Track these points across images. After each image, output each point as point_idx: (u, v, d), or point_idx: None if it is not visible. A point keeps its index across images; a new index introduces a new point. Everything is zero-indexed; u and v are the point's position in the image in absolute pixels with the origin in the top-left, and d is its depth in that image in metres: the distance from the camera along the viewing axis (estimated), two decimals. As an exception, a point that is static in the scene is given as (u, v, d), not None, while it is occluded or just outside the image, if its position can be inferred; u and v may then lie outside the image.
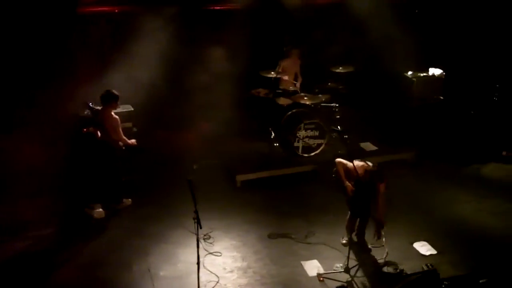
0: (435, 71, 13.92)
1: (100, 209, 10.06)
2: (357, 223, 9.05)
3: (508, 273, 8.22)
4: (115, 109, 9.89)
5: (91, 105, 10.28)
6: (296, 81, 13.04)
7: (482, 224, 9.97)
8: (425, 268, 8.19)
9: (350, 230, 8.97)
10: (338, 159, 8.92)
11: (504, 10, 13.31)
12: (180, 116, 12.69)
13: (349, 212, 9.01)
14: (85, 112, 10.69)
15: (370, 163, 8.65)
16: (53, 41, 11.08)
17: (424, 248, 9.14)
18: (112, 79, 10.86)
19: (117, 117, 9.82)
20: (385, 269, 8.48)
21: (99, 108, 10.01)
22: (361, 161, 8.76)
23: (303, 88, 12.84)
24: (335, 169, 8.97)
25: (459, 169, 12.16)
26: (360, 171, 8.45)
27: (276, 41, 13.44)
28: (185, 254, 8.88)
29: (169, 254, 8.95)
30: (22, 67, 10.82)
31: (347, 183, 8.68)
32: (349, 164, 8.61)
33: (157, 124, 12.53)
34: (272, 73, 12.32)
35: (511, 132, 11.32)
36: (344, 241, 9.16)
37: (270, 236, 9.50)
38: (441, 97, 13.79)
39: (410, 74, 13.86)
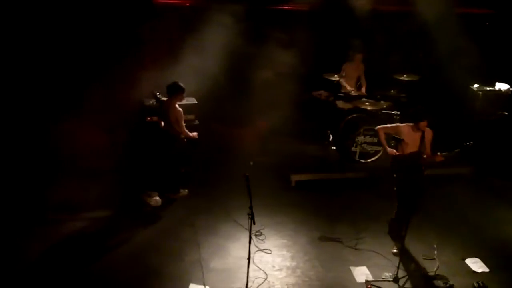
0: (501, 86, 13.66)
1: (157, 197, 10.25)
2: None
3: None
4: (180, 101, 10.08)
5: (157, 95, 10.48)
6: (361, 85, 13.05)
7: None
8: (476, 285, 8.09)
9: (396, 232, 9.17)
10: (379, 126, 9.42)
11: None
12: (240, 112, 12.78)
13: (396, 205, 9.22)
14: (151, 102, 10.93)
15: None
16: (126, 29, 11.33)
17: (476, 265, 8.96)
18: (178, 71, 10.98)
19: (180, 109, 10.00)
20: (435, 282, 8.40)
21: (164, 98, 10.22)
22: None
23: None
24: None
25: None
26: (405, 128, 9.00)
27: (341, 45, 13.36)
28: (235, 248, 8.99)
29: (220, 247, 9.06)
30: (93, 53, 11.08)
31: (389, 149, 9.23)
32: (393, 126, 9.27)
33: (217, 118, 12.65)
34: (336, 76, 12.32)
35: None
36: (394, 250, 9.08)
37: (320, 239, 9.49)
38: (506, 113, 13.55)
39: (476, 87, 13.65)
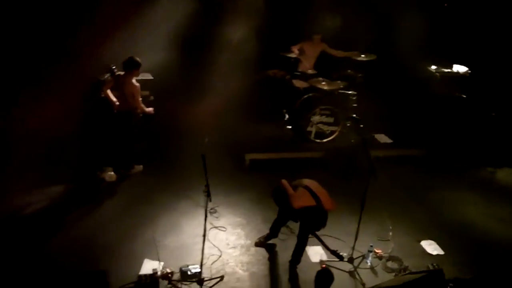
0: (459, 68, 13.71)
1: (112, 172, 10.12)
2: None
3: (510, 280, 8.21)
4: (137, 76, 9.92)
5: (114, 69, 10.23)
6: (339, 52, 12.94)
7: (488, 229, 9.82)
8: (431, 267, 8.14)
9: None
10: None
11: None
12: (195, 90, 12.65)
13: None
14: (106, 76, 10.61)
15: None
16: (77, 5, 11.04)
17: (431, 247, 9.03)
18: (134, 46, 10.87)
19: (137, 84, 9.84)
20: (390, 264, 8.46)
21: (121, 73, 9.99)
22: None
23: (321, 74, 12.47)
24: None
25: (472, 171, 12.07)
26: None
27: (298, 22, 13.28)
28: (190, 225, 8.96)
29: (174, 224, 9.00)
30: (46, 26, 10.74)
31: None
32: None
33: (172, 95, 12.46)
34: (293, 53, 12.21)
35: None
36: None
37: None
38: (464, 95, 13.64)
39: (434, 69, 13.65)
